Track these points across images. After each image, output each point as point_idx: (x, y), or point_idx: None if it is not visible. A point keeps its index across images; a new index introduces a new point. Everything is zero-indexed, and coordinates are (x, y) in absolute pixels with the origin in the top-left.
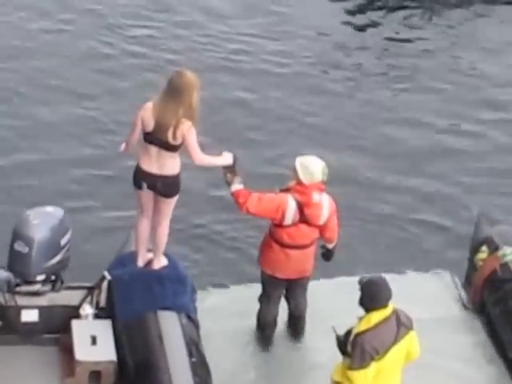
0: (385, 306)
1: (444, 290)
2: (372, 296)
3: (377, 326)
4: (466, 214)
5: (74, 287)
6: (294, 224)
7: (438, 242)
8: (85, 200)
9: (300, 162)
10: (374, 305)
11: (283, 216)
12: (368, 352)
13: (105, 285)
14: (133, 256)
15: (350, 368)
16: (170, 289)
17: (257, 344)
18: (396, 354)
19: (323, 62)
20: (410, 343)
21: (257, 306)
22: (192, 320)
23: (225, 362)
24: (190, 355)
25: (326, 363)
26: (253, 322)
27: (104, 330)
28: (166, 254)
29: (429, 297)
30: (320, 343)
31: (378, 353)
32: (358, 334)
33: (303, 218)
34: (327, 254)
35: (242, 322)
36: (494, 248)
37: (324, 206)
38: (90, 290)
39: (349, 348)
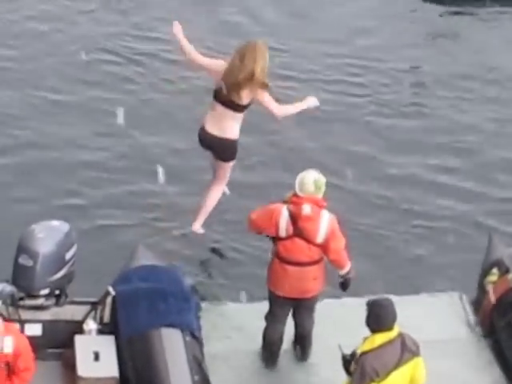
0: (389, 328)
1: (453, 312)
2: (377, 317)
3: (380, 347)
4: (479, 235)
5: (78, 302)
6: (289, 237)
7: (448, 262)
8: (91, 215)
9: (299, 175)
10: (378, 326)
11: (277, 226)
12: (368, 373)
13: (109, 300)
14: (138, 271)
15: None
16: (175, 305)
17: (261, 362)
18: (398, 378)
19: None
20: (415, 369)
21: (263, 323)
22: (196, 337)
23: (229, 381)
24: (193, 373)
25: (330, 383)
26: (258, 340)
27: (107, 345)
28: (172, 271)
29: (437, 318)
30: (325, 362)
31: (379, 375)
32: (360, 354)
33: (298, 232)
34: (342, 283)
35: (247, 340)
36: (504, 271)
37: (321, 221)
38: (94, 305)
39: (352, 368)
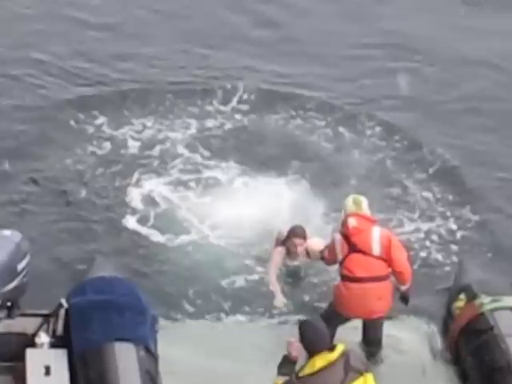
0: (329, 348)
1: (419, 339)
2: (311, 339)
3: (320, 370)
4: (448, 260)
5: (30, 314)
6: (345, 256)
7: (415, 287)
8: (44, 223)
9: None
10: (315, 347)
11: (335, 253)
12: None
13: (62, 313)
14: (93, 283)
15: None
16: (129, 319)
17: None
18: None
19: None
20: None
21: (221, 340)
22: (150, 352)
23: None
24: None
25: None
26: (216, 356)
27: (59, 359)
28: (128, 283)
29: (403, 345)
30: None
31: None
32: (299, 378)
33: (352, 247)
34: (403, 297)
35: (205, 357)
36: (471, 296)
37: (372, 233)
38: (47, 317)
39: None
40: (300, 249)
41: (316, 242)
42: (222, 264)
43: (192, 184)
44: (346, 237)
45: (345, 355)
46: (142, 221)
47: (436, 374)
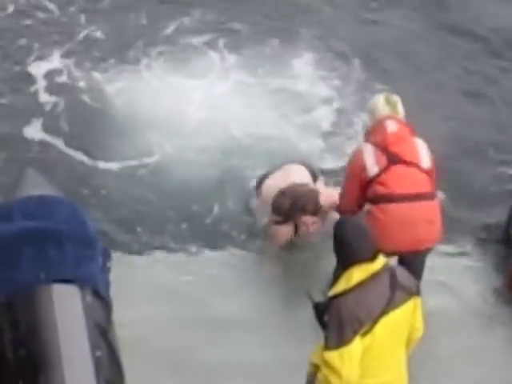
0: (370, 258)
1: (469, 275)
2: (348, 243)
3: (359, 285)
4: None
5: None
6: (384, 169)
7: (464, 210)
8: None
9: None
10: (353, 256)
11: (364, 167)
12: (348, 322)
13: None
14: (23, 205)
15: (326, 347)
16: (72, 253)
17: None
18: (391, 326)
19: None
20: (414, 314)
21: (189, 280)
22: (101, 297)
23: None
24: (95, 347)
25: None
26: (187, 302)
27: None
28: (70, 205)
29: (448, 283)
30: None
31: (362, 323)
32: (333, 297)
33: (393, 158)
34: None
35: (172, 302)
36: None
37: (416, 141)
38: None
39: (325, 318)
40: (314, 227)
41: (328, 192)
42: (189, 190)
43: (137, 59)
44: (383, 146)
45: (390, 268)
46: (56, 125)
47: (491, 320)
